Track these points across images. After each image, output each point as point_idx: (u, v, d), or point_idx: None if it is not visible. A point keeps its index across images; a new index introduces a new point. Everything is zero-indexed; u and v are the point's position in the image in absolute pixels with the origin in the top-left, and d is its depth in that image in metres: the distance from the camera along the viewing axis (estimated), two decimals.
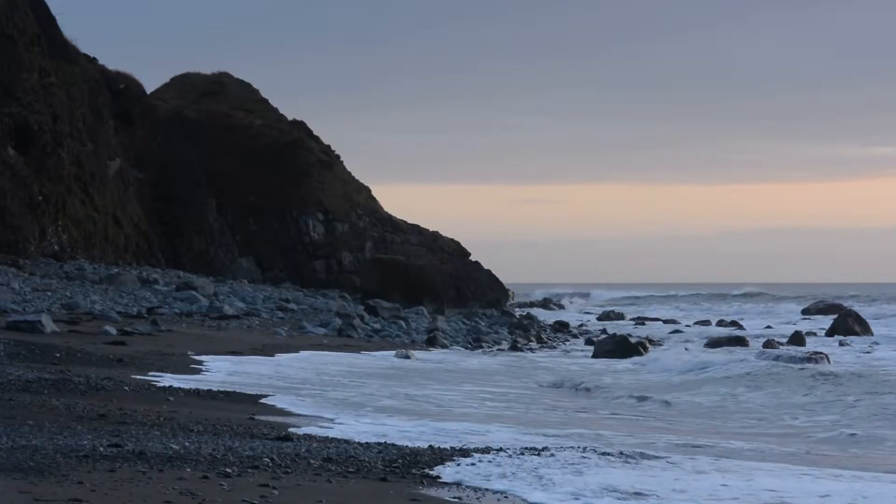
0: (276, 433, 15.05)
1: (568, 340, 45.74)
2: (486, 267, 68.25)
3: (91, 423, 14.71)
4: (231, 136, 66.34)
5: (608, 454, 14.54)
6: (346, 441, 14.80)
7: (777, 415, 21.41)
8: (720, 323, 58.30)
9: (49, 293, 37.86)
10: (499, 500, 11.58)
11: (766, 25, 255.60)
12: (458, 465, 13.22)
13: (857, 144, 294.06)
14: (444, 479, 12.37)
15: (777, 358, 33.25)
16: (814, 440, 17.89)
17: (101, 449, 12.59)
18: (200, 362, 25.62)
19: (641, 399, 23.97)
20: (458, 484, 12.14)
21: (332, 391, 22.28)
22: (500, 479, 12.51)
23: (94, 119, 54.27)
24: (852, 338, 43.61)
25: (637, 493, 11.93)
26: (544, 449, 14.65)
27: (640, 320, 64.12)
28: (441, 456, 13.69)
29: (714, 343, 40.61)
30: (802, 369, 27.04)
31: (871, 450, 16.75)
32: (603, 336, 43.49)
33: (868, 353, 37.17)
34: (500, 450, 14.44)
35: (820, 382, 24.69)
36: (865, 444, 17.25)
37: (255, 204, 64.69)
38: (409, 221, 70.39)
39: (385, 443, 14.71)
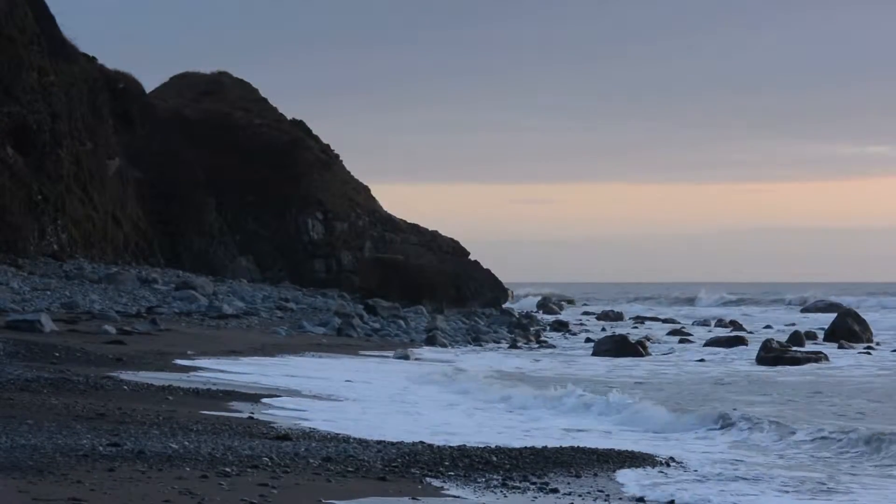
0: (276, 433, 15.05)
1: (566, 339, 45.71)
2: (485, 266, 68.19)
3: (90, 423, 14.71)
4: (230, 136, 66.22)
5: None
6: (346, 440, 14.80)
7: None
8: (719, 323, 58.21)
9: (48, 292, 37.86)
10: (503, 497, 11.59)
11: (765, 26, 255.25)
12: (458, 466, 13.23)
13: (854, 144, 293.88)
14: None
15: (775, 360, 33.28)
16: None
17: (101, 448, 12.59)
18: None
19: None
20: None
21: None
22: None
23: (94, 118, 54.23)
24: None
25: None
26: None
27: (640, 320, 64.06)
28: (441, 456, 13.68)
29: (713, 343, 40.55)
30: None
31: None
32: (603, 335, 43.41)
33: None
34: (498, 449, 14.44)
35: None
36: None
37: (255, 203, 64.59)
38: (409, 221, 70.34)
39: (385, 442, 14.70)
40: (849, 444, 16.01)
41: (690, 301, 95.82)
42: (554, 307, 76.56)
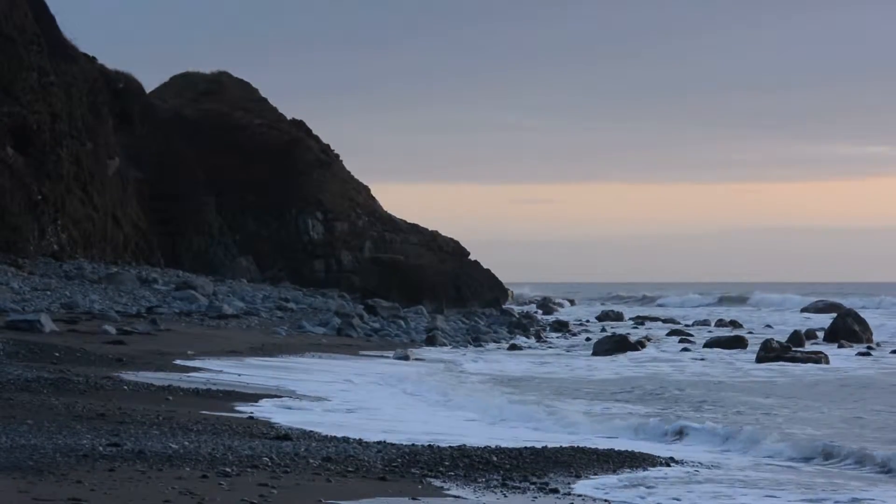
0: (276, 433, 15.06)
1: (566, 339, 45.73)
2: (485, 266, 68.20)
3: (90, 423, 14.72)
4: (230, 136, 66.24)
5: None
6: (346, 440, 14.80)
7: None
8: (719, 323, 58.20)
9: (48, 292, 37.85)
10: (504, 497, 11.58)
11: (765, 26, 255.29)
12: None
13: (853, 144, 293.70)
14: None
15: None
16: None
17: (101, 448, 12.60)
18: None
19: None
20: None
21: None
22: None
23: (94, 118, 54.24)
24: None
25: None
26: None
27: (640, 320, 64.07)
28: (441, 456, 13.68)
29: (713, 343, 40.54)
30: None
31: None
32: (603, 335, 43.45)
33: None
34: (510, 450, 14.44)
35: None
36: None
37: (255, 203, 64.63)
38: (409, 221, 70.36)
39: (385, 442, 14.71)
40: (848, 449, 15.99)
41: (691, 300, 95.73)
42: (554, 307, 76.53)
